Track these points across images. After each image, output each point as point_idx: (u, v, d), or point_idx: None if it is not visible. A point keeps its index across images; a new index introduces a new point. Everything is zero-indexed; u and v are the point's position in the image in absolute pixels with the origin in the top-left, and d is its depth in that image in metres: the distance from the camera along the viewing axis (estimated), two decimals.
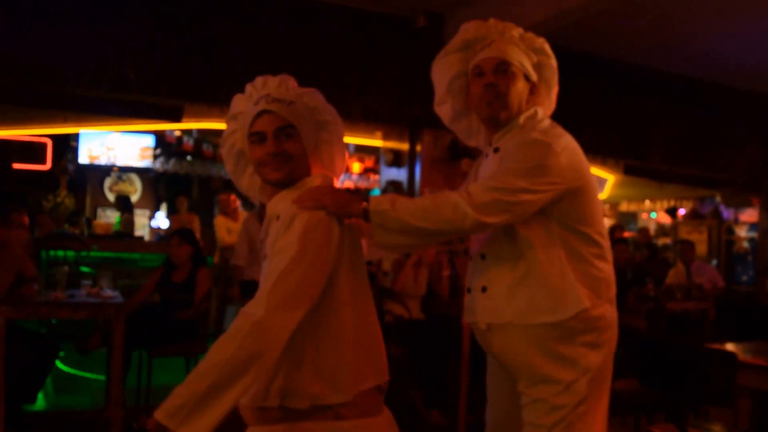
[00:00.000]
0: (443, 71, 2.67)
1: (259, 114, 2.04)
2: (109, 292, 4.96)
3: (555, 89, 2.67)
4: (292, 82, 2.16)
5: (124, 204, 11.68)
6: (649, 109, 8.03)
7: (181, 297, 5.49)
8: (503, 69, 2.48)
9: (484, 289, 2.47)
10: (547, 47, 2.61)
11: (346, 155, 2.22)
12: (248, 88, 2.18)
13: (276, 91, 2.10)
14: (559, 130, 2.45)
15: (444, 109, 2.72)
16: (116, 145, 12.59)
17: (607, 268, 2.47)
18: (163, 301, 5.58)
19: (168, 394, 1.78)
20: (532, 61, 2.56)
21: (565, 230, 2.39)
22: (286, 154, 2.03)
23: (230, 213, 7.92)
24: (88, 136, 12.26)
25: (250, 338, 1.71)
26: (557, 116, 2.58)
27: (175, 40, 5.67)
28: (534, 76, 2.57)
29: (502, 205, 2.24)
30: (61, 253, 7.97)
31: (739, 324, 7.83)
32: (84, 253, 7.98)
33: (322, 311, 1.90)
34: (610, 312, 2.44)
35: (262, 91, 2.11)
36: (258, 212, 6.41)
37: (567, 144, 2.40)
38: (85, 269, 7.92)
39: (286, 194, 2.04)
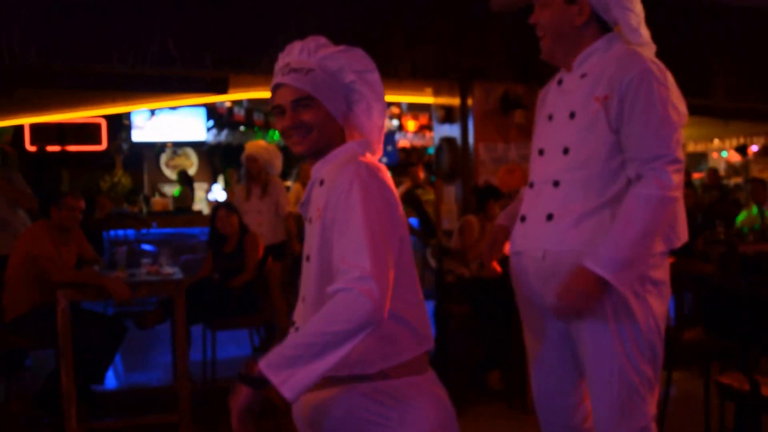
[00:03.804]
0: None
1: (277, 87, 2.04)
2: (168, 269, 5.01)
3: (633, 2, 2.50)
4: (315, 44, 2.08)
5: (185, 178, 11.83)
6: (708, 43, 7.68)
7: (234, 265, 5.52)
8: (541, 2, 2.45)
9: (550, 217, 2.41)
10: None
11: (384, 113, 2.14)
12: (279, 57, 2.13)
13: (296, 59, 2.05)
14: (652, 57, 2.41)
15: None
16: (168, 121, 12.73)
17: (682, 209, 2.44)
18: (221, 275, 5.61)
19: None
20: None
21: None
22: (306, 125, 2.00)
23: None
24: (141, 114, 12.40)
25: (362, 311, 1.74)
26: None
27: (215, 11, 5.62)
28: None
29: (677, 166, 2.28)
30: (121, 232, 8.09)
31: None
32: (144, 231, 8.08)
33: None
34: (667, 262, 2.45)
35: (286, 59, 2.08)
36: (245, 184, 6.60)
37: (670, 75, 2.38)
38: (146, 246, 8.02)
39: (329, 160, 2.03)
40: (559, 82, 2.55)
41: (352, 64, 2.06)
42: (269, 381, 1.72)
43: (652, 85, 2.28)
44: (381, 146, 2.15)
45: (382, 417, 1.89)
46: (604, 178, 2.34)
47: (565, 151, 2.40)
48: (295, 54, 2.07)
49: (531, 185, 2.55)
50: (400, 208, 1.98)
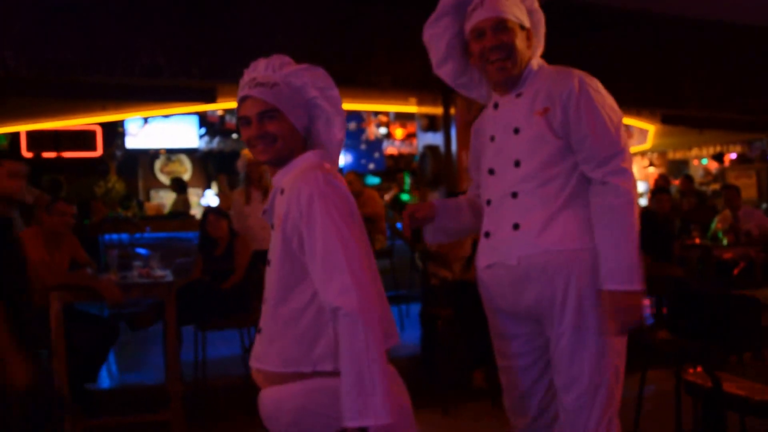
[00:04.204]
0: (438, 35, 2.74)
1: (243, 99, 2.16)
2: (159, 272, 5.12)
3: (542, 30, 2.77)
4: (279, 62, 2.22)
5: (179, 185, 11.97)
6: (681, 58, 7.85)
7: (225, 267, 5.68)
8: (502, 27, 2.57)
9: (516, 227, 2.55)
10: None
11: (343, 127, 2.28)
12: (244, 72, 2.26)
13: (262, 75, 2.18)
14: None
15: (445, 70, 2.80)
16: (161, 129, 12.91)
17: None
18: (212, 277, 5.77)
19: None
20: (521, 10, 2.64)
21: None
22: (271, 135, 2.13)
23: None
24: (134, 121, 12.57)
25: (358, 326, 1.91)
26: (591, 71, 2.65)
27: (202, 23, 5.73)
28: (528, 23, 2.66)
29: (629, 156, 2.52)
30: (115, 236, 8.23)
31: None
32: (138, 235, 8.22)
33: None
34: None
35: (252, 75, 2.20)
36: (244, 189, 6.66)
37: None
38: (140, 250, 8.16)
39: (289, 169, 2.17)
40: (495, 106, 2.70)
41: (315, 81, 2.20)
42: (365, 427, 1.89)
43: (589, 93, 2.50)
44: (339, 157, 2.30)
45: (335, 411, 1.97)
46: (558, 180, 2.52)
47: (517, 163, 2.56)
48: (260, 70, 2.20)
49: (488, 203, 2.68)
50: (357, 212, 2.12)
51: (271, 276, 2.14)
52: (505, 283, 2.61)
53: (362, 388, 1.89)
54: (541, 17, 2.74)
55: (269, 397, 2.14)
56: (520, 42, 2.59)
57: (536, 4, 2.72)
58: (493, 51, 2.58)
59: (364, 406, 1.89)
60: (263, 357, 2.15)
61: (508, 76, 2.61)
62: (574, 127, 2.49)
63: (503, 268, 2.60)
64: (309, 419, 2.06)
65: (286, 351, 2.08)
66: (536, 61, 2.68)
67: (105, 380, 5.96)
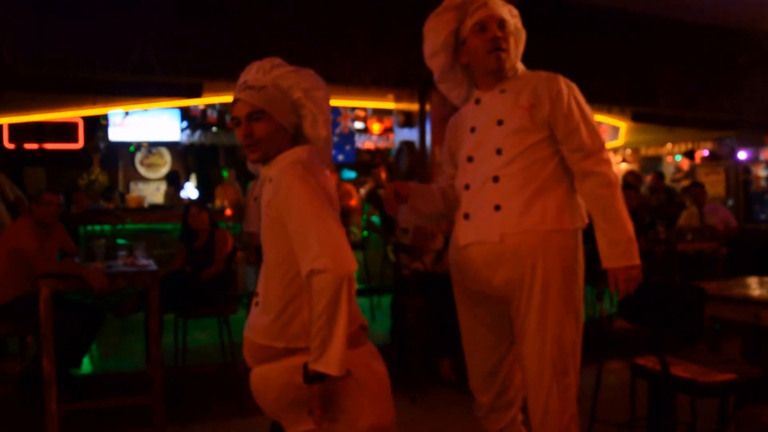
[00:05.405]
0: (440, 26, 2.97)
1: (235, 101, 2.33)
2: (143, 261, 5.22)
3: (521, 49, 3.03)
4: (270, 65, 2.37)
5: (172, 179, 12.01)
6: (652, 57, 8.05)
7: (205, 258, 5.83)
8: (502, 24, 2.86)
9: (497, 207, 2.79)
10: (517, 12, 3.00)
11: (329, 125, 2.43)
12: (240, 75, 2.42)
13: (253, 77, 2.35)
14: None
15: (437, 62, 3.03)
16: (144, 121, 12.99)
17: None
18: (193, 268, 5.91)
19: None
20: (513, 23, 2.94)
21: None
22: (255, 136, 2.30)
23: None
24: (116, 114, 12.61)
25: (327, 281, 2.05)
26: (563, 68, 2.95)
27: (193, 22, 5.85)
28: (516, 35, 2.95)
29: (608, 153, 2.82)
30: (98, 227, 8.33)
31: (757, 261, 8.02)
32: (119, 226, 8.32)
33: None
34: None
35: (244, 77, 2.38)
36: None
37: None
38: (121, 241, 8.26)
39: (276, 162, 2.32)
40: (477, 101, 2.96)
41: (300, 82, 2.35)
42: (321, 372, 2.07)
43: (575, 94, 2.82)
44: (329, 152, 2.45)
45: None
46: (537, 166, 2.78)
47: (498, 151, 2.80)
48: (252, 73, 2.37)
49: (467, 187, 2.90)
50: (336, 202, 2.28)
51: (266, 249, 2.31)
52: (480, 263, 2.83)
53: (323, 338, 2.06)
54: (523, 35, 3.01)
55: (257, 375, 2.30)
56: (514, 45, 2.89)
57: (521, 24, 2.99)
58: (495, 41, 2.83)
59: (325, 354, 2.07)
60: (253, 326, 2.31)
61: (502, 67, 2.86)
62: (563, 121, 2.77)
63: (482, 246, 2.82)
64: (292, 394, 2.21)
65: (270, 324, 2.23)
66: (520, 66, 2.96)
67: (89, 365, 6.07)
